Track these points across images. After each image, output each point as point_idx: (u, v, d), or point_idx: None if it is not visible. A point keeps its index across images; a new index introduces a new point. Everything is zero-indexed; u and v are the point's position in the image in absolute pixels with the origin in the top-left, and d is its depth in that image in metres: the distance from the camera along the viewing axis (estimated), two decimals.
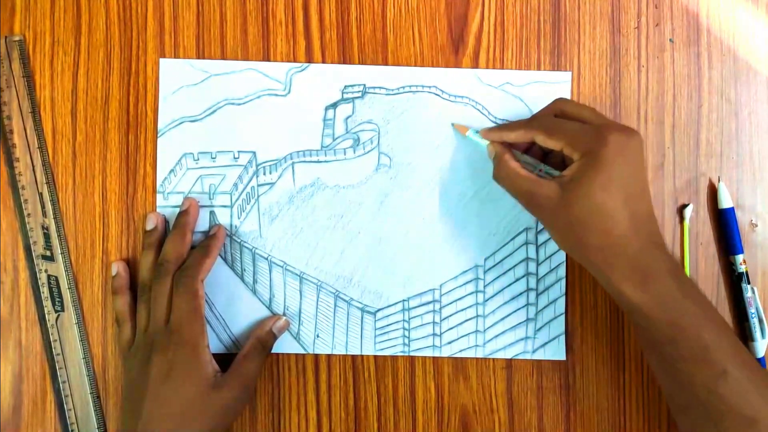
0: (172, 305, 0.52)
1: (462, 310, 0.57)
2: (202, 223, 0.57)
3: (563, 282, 0.57)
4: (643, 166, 0.49)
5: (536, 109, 0.56)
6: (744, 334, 0.57)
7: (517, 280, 0.57)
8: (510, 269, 0.57)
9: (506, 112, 0.57)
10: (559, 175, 0.49)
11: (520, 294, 0.57)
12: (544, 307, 0.57)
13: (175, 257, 0.54)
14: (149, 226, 0.56)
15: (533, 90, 0.57)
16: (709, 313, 0.47)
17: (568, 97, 0.57)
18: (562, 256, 0.57)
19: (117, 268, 0.56)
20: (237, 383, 0.52)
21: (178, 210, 0.56)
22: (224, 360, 0.53)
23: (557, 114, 0.52)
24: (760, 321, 0.56)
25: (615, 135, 0.47)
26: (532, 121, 0.52)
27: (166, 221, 0.57)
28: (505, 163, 0.52)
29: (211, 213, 0.57)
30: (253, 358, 0.54)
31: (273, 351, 0.56)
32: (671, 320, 0.46)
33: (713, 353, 0.46)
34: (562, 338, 0.57)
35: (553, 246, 0.57)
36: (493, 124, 0.57)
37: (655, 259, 0.47)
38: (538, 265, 0.57)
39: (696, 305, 0.47)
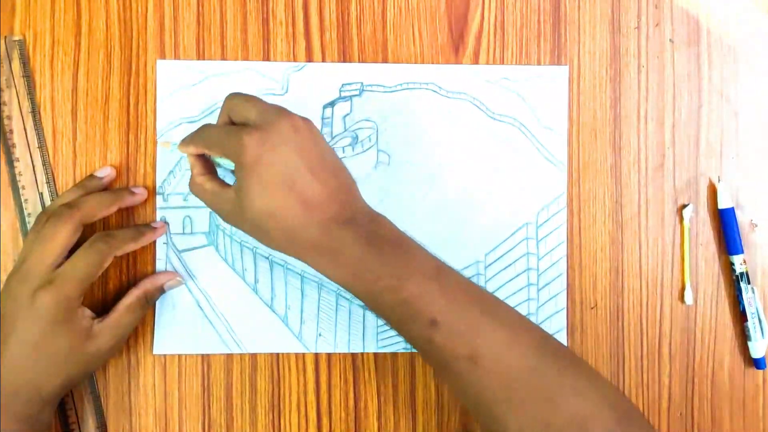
0: (74, 256, 0.50)
1: None
2: (202, 224, 0.57)
3: (564, 277, 0.57)
4: (303, 145, 0.48)
5: (534, 105, 0.57)
6: (744, 333, 0.57)
7: (518, 275, 0.57)
8: (511, 264, 0.57)
9: (504, 108, 0.57)
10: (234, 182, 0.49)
11: (521, 289, 0.57)
12: (546, 302, 0.57)
13: (91, 213, 0.52)
14: (101, 174, 0.55)
15: (531, 85, 0.57)
16: (414, 267, 0.47)
17: (566, 94, 0.57)
18: (562, 251, 0.57)
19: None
20: (114, 334, 0.51)
21: (177, 211, 0.56)
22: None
23: (230, 115, 0.50)
24: (760, 321, 0.56)
25: (251, 136, 0.46)
26: (197, 135, 0.51)
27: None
28: (192, 178, 0.52)
29: (212, 214, 0.57)
30: (135, 310, 0.53)
31: (273, 351, 0.56)
32: (368, 288, 0.47)
33: (416, 305, 0.46)
34: (564, 333, 0.57)
35: (553, 241, 0.57)
36: (491, 118, 0.57)
37: (339, 235, 0.47)
38: (538, 260, 0.57)
39: (395, 262, 0.47)
